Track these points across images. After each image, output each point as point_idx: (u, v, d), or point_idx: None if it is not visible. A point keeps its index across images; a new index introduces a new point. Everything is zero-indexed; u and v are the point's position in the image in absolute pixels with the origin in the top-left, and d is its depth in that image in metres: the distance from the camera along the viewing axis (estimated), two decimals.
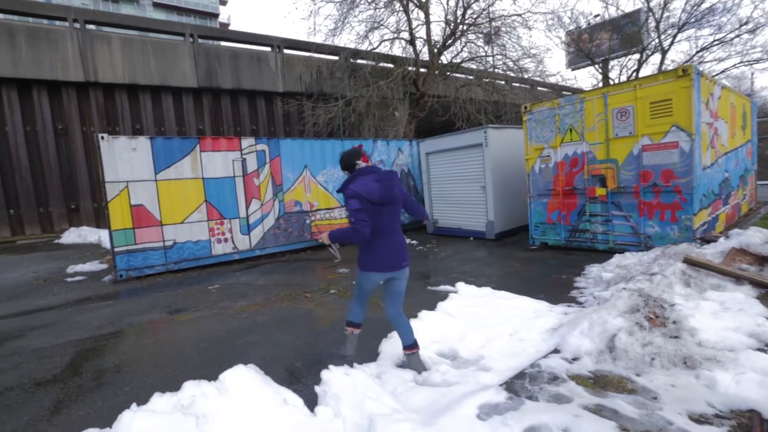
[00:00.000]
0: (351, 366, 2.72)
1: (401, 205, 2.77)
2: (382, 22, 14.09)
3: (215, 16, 37.99)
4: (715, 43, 15.84)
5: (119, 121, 13.61)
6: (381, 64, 14.25)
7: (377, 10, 14.03)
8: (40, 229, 12.50)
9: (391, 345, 3.17)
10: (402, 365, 2.94)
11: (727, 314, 3.14)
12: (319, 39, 20.39)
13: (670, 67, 16.65)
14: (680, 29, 16.03)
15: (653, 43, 16.97)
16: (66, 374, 3.28)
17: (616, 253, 5.67)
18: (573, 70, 20.87)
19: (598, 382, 2.49)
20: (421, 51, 14.78)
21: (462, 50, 14.68)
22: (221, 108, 15.40)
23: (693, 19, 15.62)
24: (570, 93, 9.39)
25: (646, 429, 2.00)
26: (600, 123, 6.21)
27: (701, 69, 8.85)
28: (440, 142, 9.41)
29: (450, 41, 14.33)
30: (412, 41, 14.33)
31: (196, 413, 2.03)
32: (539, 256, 6.73)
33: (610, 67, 18.72)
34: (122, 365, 3.38)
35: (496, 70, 14.66)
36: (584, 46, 17.98)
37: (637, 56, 17.64)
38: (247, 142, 7.84)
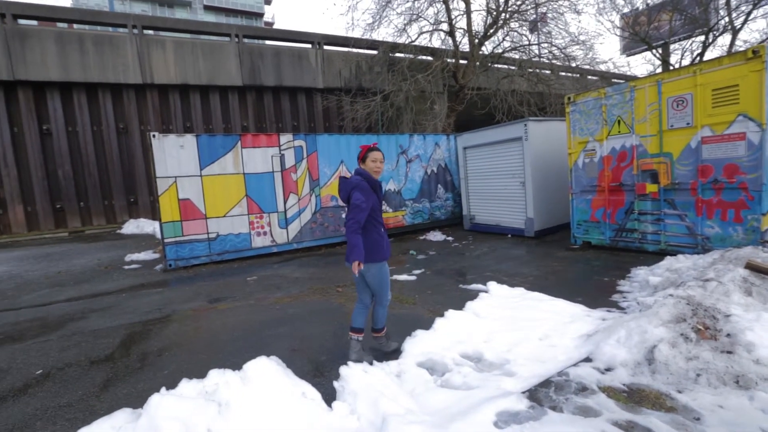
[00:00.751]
0: (371, 364, 2.74)
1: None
2: (420, 14, 13.87)
3: (260, 15, 39.29)
4: None
5: (172, 119, 14.57)
6: (420, 57, 14.04)
7: (415, 2, 13.83)
8: (105, 220, 13.76)
9: (415, 344, 3.14)
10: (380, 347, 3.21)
11: None
12: (357, 34, 20.49)
13: (741, 49, 14.91)
14: (756, 5, 14.25)
15: (722, 22, 15.26)
16: (116, 355, 3.59)
17: (668, 255, 5.23)
18: (628, 56, 19.33)
19: (633, 397, 2.30)
20: (460, 42, 14.40)
21: (504, 40, 14.13)
22: (264, 105, 15.99)
23: None
24: (622, 81, 8.72)
25: None
26: (653, 113, 5.71)
27: None
28: (478, 136, 9.14)
29: (491, 31, 13.82)
30: (451, 32, 13.99)
31: (219, 400, 2.13)
32: (581, 256, 6.36)
33: (670, 51, 17.12)
34: (164, 349, 3.64)
35: (541, 59, 13.95)
36: (640, 29, 16.53)
37: (701, 38, 15.93)
38: (285, 138, 8.08)
